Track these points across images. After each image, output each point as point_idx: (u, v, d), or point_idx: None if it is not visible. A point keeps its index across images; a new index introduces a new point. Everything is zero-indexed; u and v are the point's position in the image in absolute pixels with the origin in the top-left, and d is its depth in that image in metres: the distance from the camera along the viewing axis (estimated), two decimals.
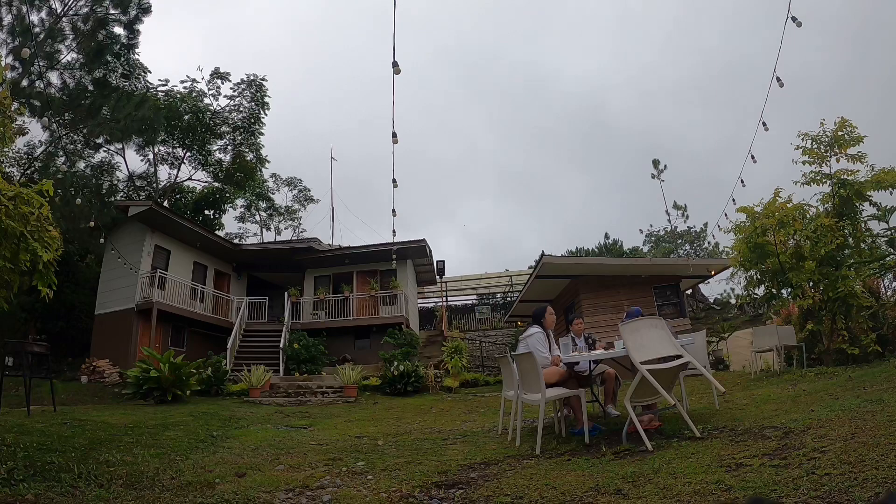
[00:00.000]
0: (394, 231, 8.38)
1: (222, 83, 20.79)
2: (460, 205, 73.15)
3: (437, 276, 19.55)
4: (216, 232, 19.64)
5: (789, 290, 8.23)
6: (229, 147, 21.27)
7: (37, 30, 14.06)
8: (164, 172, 21.24)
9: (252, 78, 21.08)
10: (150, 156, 20.41)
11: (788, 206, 8.11)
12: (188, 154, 20.77)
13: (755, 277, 8.81)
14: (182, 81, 20.08)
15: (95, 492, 2.89)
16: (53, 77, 14.68)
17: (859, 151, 7.49)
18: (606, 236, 31.16)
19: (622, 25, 67.06)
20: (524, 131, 75.31)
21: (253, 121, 21.15)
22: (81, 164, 17.54)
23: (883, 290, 8.13)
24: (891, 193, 7.29)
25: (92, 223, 12.10)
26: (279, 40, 69.05)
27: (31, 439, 4.28)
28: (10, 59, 13.19)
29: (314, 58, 76.09)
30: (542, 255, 14.56)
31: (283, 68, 69.20)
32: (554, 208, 65.03)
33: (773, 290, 8.63)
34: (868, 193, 7.50)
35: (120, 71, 16.77)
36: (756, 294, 9.73)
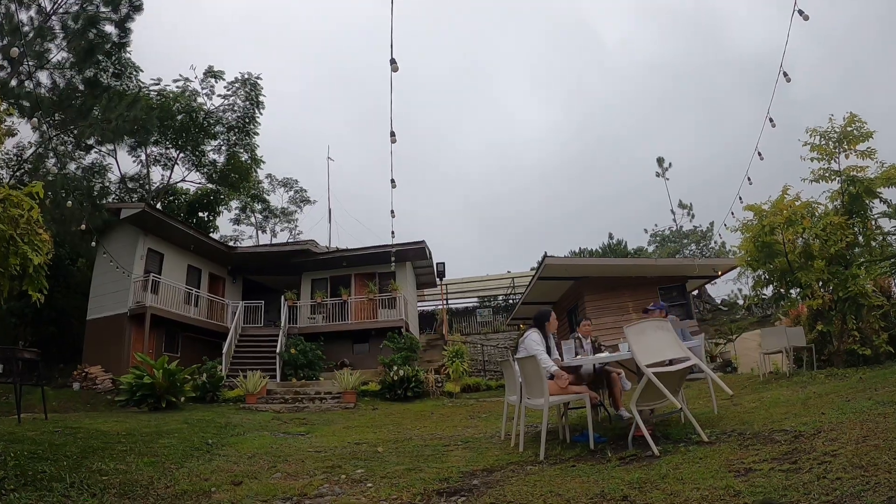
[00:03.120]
0: (392, 232, 8.36)
1: (216, 82, 20.83)
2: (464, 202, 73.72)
3: (438, 279, 19.55)
4: (210, 234, 19.66)
5: (798, 289, 8.22)
6: (223, 147, 21.30)
7: (26, 28, 14.08)
8: (156, 174, 21.31)
9: (246, 76, 21.12)
10: (143, 157, 20.44)
11: (797, 203, 8.10)
12: (181, 155, 20.80)
13: (763, 277, 8.80)
14: (175, 80, 20.13)
15: (88, 501, 2.88)
16: (43, 77, 14.69)
17: (869, 147, 7.49)
18: (610, 236, 31.23)
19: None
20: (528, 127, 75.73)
21: (247, 120, 21.18)
22: (72, 166, 17.55)
23: (894, 289, 8.12)
24: None
25: (83, 226, 12.09)
26: (276, 39, 69.17)
27: (21, 448, 4.27)
28: None
29: (312, 56, 76.24)
30: (545, 255, 14.58)
31: (279, 67, 69.32)
32: (557, 209, 65.36)
33: (782, 290, 8.62)
34: (878, 190, 7.49)
35: (111, 70, 16.81)
36: (764, 294, 9.73)
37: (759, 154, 7.31)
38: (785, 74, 5.67)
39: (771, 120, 6.51)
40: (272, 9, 67.13)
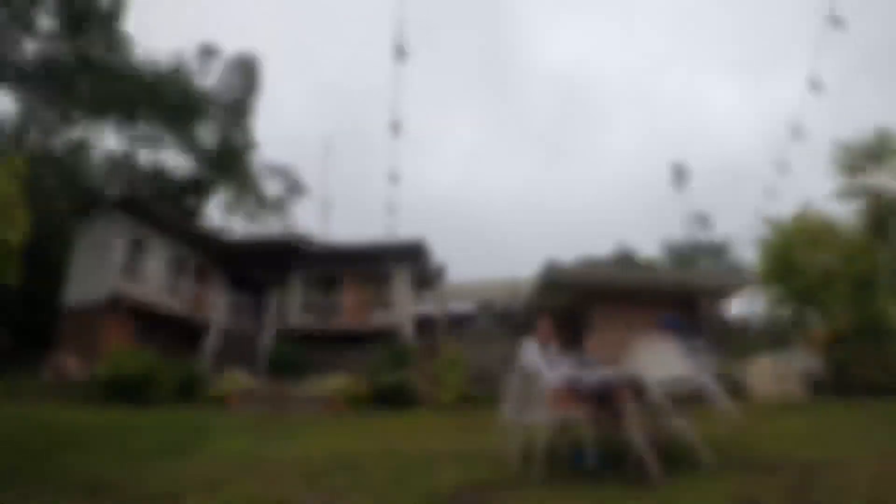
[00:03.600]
0: (390, 229, 8.37)
1: (212, 60, 20.86)
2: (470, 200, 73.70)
3: (436, 281, 19.53)
4: (198, 223, 19.66)
5: (817, 311, 8.23)
6: (217, 129, 21.30)
7: None
8: (144, 155, 21.29)
9: (244, 56, 21.14)
10: (130, 136, 20.44)
11: (819, 220, 8.11)
12: (172, 136, 20.80)
13: (781, 296, 8.80)
14: (169, 56, 20.14)
15: (50, 498, 2.88)
16: (30, 47, 14.75)
17: None
18: (619, 246, 31.13)
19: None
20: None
21: (243, 102, 21.20)
22: (55, 142, 17.59)
23: None
24: None
25: (64, 206, 12.12)
26: (274, 24, 69.19)
27: None
28: None
29: (310, 43, 76.29)
30: (549, 263, 14.57)
31: (277, 53, 69.36)
32: (562, 210, 65.35)
33: (800, 311, 8.63)
34: None
35: (102, 42, 16.82)
36: (781, 315, 9.72)
37: (782, 167, 7.31)
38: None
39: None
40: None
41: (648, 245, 42.58)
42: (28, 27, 14.28)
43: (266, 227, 29.94)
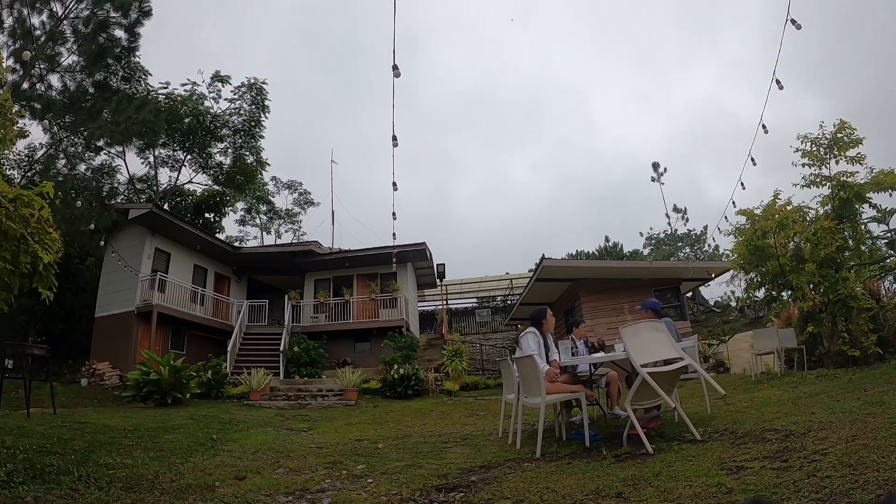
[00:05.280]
0: (394, 234, 8.40)
1: (223, 86, 20.87)
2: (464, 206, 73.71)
3: (438, 280, 19.54)
4: (216, 235, 19.65)
5: (789, 292, 8.23)
6: (230, 150, 21.31)
7: (38, 32, 14.11)
8: (164, 175, 21.32)
9: (252, 81, 21.15)
10: (151, 159, 20.45)
11: (788, 208, 8.11)
12: (189, 157, 20.81)
13: (755, 280, 8.80)
14: (182, 84, 20.17)
15: (95, 494, 2.88)
16: (54, 80, 14.73)
17: (858, 153, 7.49)
18: (607, 239, 31.17)
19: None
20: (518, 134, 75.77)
21: (253, 124, 21.20)
22: (82, 167, 17.60)
23: (883, 291, 8.13)
24: (890, 195, 7.29)
25: (92, 226, 12.08)
26: (281, 43, 69.16)
27: (30, 441, 4.27)
28: (11, 62, 13.24)
29: (316, 59, 76.25)
30: (543, 258, 14.57)
31: (286, 70, 69.32)
32: (555, 210, 65.43)
33: (774, 292, 8.63)
34: (868, 195, 7.50)
35: (121, 74, 16.80)
36: (756, 296, 9.74)
37: (753, 160, 7.31)
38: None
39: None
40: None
41: (633, 239, 42.67)
42: (52, 62, 14.26)
43: (280, 236, 30.08)
